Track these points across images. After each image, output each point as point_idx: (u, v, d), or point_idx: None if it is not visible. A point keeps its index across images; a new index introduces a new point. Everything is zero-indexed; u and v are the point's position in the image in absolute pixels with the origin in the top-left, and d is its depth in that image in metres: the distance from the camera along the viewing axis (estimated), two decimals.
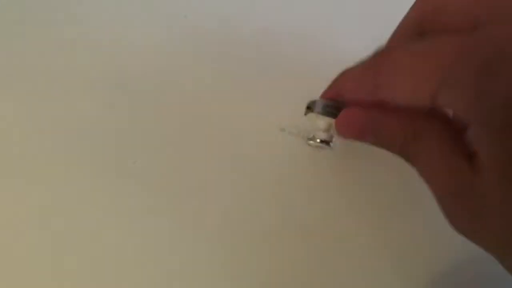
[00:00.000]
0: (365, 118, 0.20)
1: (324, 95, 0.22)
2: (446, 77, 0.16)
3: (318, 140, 0.23)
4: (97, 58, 0.27)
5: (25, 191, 0.24)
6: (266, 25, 0.28)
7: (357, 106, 0.20)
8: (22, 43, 0.28)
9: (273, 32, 0.28)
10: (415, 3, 0.20)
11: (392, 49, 0.19)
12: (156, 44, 0.28)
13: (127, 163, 0.25)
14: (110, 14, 0.28)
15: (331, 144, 0.23)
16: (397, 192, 0.24)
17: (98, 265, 0.23)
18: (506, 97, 0.14)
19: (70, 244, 0.23)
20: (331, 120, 0.22)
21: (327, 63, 0.27)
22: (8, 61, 0.27)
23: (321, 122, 0.23)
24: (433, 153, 0.18)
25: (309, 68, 0.27)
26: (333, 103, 0.22)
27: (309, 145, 0.24)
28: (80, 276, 0.23)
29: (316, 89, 0.23)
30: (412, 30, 0.20)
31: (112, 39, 0.28)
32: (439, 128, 0.18)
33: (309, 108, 0.23)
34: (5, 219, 0.24)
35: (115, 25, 0.28)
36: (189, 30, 0.28)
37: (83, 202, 0.24)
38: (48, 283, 0.22)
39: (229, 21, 0.28)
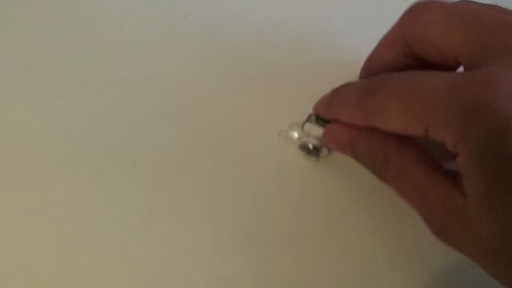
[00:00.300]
0: (346, 136, 0.21)
1: (317, 112, 0.23)
2: (435, 115, 0.17)
3: (310, 147, 0.24)
4: (97, 58, 0.27)
5: (24, 191, 0.24)
6: (266, 25, 0.28)
7: (341, 122, 0.22)
8: (22, 42, 0.28)
9: (274, 32, 0.28)
10: (398, 22, 0.21)
11: (382, 83, 0.20)
12: (156, 44, 0.28)
13: (127, 163, 0.25)
14: (110, 14, 0.28)
15: (319, 153, 0.24)
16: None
17: (98, 265, 0.23)
18: (488, 135, 0.16)
19: (70, 243, 0.23)
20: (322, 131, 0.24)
21: (327, 64, 0.27)
22: (8, 60, 0.27)
23: (313, 133, 0.24)
24: (404, 174, 0.19)
25: (309, 68, 0.27)
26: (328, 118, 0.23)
27: (301, 150, 0.25)
28: (80, 275, 0.23)
29: (316, 92, 0.23)
30: (395, 49, 0.21)
31: (112, 39, 0.28)
32: (414, 149, 0.20)
33: (307, 118, 0.24)
34: (5, 218, 0.24)
35: (115, 25, 0.28)
36: (189, 30, 0.28)
37: (83, 201, 0.24)
38: (48, 282, 0.23)
39: (229, 21, 0.28)
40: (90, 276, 0.23)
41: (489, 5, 0.20)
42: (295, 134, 0.25)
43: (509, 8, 0.20)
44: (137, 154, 0.25)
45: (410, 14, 0.20)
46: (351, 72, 0.24)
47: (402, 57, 0.21)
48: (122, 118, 0.26)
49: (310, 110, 0.24)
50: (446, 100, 0.17)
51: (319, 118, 0.23)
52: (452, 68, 0.20)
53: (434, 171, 0.19)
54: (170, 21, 0.28)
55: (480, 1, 0.20)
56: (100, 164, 0.25)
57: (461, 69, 0.20)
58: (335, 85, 0.22)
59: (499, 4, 0.20)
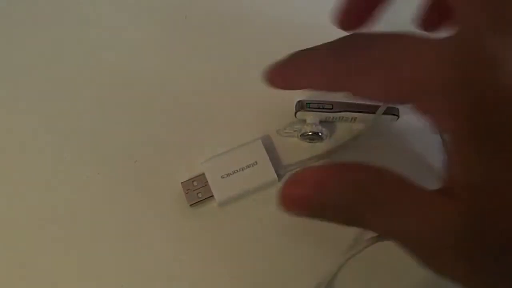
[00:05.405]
0: (314, 179, 0.16)
1: (271, 80, 0.19)
2: (419, 89, 0.15)
3: (310, 133, 0.25)
4: (97, 58, 0.27)
5: (24, 191, 0.25)
6: (266, 25, 0.28)
7: (300, 173, 0.17)
8: (22, 42, 0.28)
9: (273, 32, 0.28)
10: None
11: (358, 51, 0.17)
12: (156, 44, 0.28)
13: (127, 163, 0.25)
14: (110, 14, 0.28)
15: (321, 135, 0.25)
16: None
17: (98, 264, 0.24)
18: (478, 106, 0.14)
19: (70, 243, 0.24)
20: (317, 114, 0.25)
21: None
22: (9, 60, 0.27)
23: (308, 118, 0.25)
24: (391, 199, 0.16)
25: None
26: (316, 100, 0.25)
27: (303, 140, 0.25)
28: (80, 275, 0.23)
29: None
30: None
31: (113, 39, 0.28)
32: (390, 172, 0.16)
33: (296, 107, 0.25)
34: (5, 218, 0.24)
35: (115, 25, 0.28)
36: (189, 30, 0.28)
37: (83, 201, 0.25)
38: (47, 283, 0.23)
39: (228, 21, 0.28)
40: (90, 275, 0.23)
41: None
42: (293, 127, 0.25)
43: None
44: (137, 154, 0.25)
45: None
46: None
47: None
48: (122, 118, 0.26)
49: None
50: (433, 70, 0.15)
51: (308, 102, 0.25)
52: None
53: (417, 189, 0.16)
54: (170, 21, 0.28)
55: None
56: (101, 163, 0.25)
57: None
58: None
59: None
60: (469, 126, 0.14)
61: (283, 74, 0.19)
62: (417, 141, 0.25)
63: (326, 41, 0.20)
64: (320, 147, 0.25)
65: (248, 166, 0.24)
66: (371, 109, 0.25)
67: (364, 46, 0.17)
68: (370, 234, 0.17)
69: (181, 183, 0.24)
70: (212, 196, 0.24)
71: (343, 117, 0.25)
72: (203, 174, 0.24)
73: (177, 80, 0.27)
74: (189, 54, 0.28)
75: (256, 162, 0.24)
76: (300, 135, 0.25)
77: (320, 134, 0.24)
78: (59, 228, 0.24)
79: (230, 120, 0.26)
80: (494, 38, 0.14)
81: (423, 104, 0.16)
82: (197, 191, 0.24)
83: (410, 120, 0.25)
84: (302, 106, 0.25)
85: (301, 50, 0.18)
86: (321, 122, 0.25)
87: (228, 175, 0.24)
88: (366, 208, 0.16)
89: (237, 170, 0.24)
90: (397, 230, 0.16)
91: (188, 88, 0.27)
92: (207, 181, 0.24)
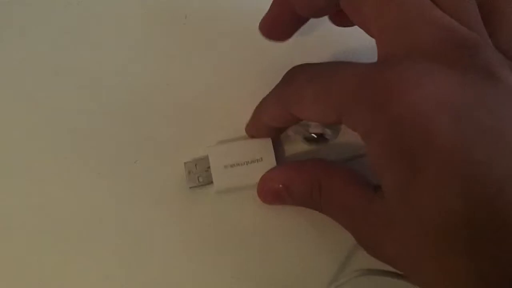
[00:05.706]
0: (282, 179, 0.22)
1: (247, 130, 0.25)
2: (346, 106, 0.17)
3: (315, 135, 0.24)
4: (95, 58, 0.27)
5: (24, 191, 0.25)
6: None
7: (271, 171, 0.23)
8: (21, 42, 0.28)
9: None
10: None
11: (299, 71, 0.20)
12: (155, 44, 0.28)
13: (127, 163, 0.25)
14: (109, 14, 0.28)
15: (326, 137, 0.24)
16: None
17: (98, 265, 0.24)
18: (392, 126, 0.16)
19: (70, 243, 0.24)
20: None
21: None
22: (8, 60, 0.27)
23: (311, 122, 0.24)
24: (337, 194, 0.20)
25: None
26: None
27: (308, 143, 0.25)
28: (80, 276, 0.23)
29: None
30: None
31: (112, 38, 0.28)
32: (342, 171, 0.21)
33: None
34: (5, 218, 0.24)
35: (114, 25, 0.28)
36: (189, 30, 0.28)
37: (83, 201, 0.25)
38: (48, 283, 0.23)
39: (229, 21, 0.28)
40: (90, 276, 0.23)
41: None
42: (295, 130, 0.25)
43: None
44: (137, 154, 0.25)
45: None
46: None
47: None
48: (122, 118, 0.26)
49: None
50: (357, 91, 0.17)
51: None
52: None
53: (359, 186, 0.19)
54: (170, 21, 0.28)
55: None
56: (101, 164, 0.25)
57: None
58: None
59: None
60: (383, 142, 0.16)
61: (255, 121, 0.24)
62: None
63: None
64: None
65: (253, 161, 0.24)
66: None
67: (304, 76, 0.19)
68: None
69: (184, 163, 0.24)
70: (212, 182, 0.24)
71: None
72: (207, 157, 0.24)
73: (179, 79, 0.27)
74: (190, 53, 0.28)
75: (261, 158, 0.24)
76: (304, 138, 0.25)
77: (325, 136, 0.24)
78: (59, 228, 0.24)
79: (232, 120, 0.26)
80: (409, 65, 0.16)
81: (349, 122, 0.18)
82: (198, 175, 0.24)
83: None
84: None
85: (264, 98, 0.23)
86: None
87: (231, 166, 0.24)
88: (319, 200, 0.21)
89: (241, 163, 0.24)
90: (340, 220, 0.20)
91: (189, 88, 0.27)
92: (209, 167, 0.24)
